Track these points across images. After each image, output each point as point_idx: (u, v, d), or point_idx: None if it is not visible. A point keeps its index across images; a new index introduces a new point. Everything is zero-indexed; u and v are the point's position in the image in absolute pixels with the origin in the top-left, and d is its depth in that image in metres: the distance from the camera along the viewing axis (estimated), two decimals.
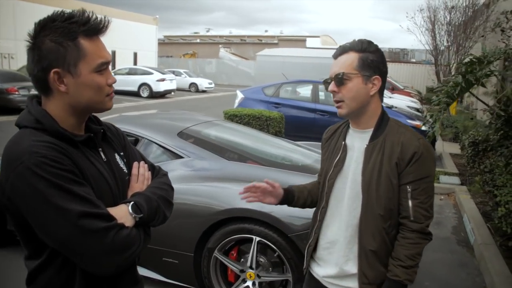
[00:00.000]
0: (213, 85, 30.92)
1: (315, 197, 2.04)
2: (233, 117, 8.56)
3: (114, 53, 31.48)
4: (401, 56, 33.90)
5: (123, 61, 30.22)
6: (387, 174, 1.69)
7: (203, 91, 29.51)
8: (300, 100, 10.46)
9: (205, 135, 4.15)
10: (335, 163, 1.84)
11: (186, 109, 14.69)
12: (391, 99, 14.45)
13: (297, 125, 9.79)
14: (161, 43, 46.59)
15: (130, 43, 31.56)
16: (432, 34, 19.39)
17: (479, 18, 17.17)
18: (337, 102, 1.76)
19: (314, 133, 9.72)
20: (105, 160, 1.44)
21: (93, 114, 1.48)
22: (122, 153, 1.56)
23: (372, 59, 1.70)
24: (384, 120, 1.78)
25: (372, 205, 1.72)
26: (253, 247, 3.16)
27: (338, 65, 1.73)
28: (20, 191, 1.19)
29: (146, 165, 1.59)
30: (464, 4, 17.94)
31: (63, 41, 1.27)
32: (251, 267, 3.22)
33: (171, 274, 3.42)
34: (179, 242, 3.31)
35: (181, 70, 31.37)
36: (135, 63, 31.25)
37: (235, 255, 3.31)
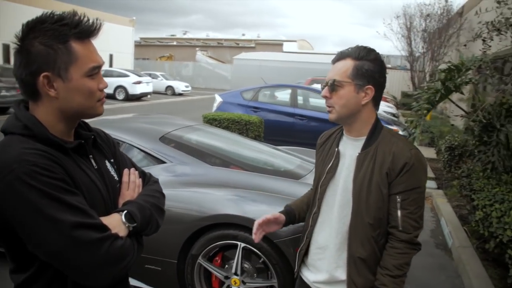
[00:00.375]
0: (190, 88, 30.78)
1: None
2: (212, 121, 8.53)
3: None
4: None
5: None
6: (378, 183, 1.69)
7: (180, 94, 29.35)
8: (278, 105, 10.48)
9: (187, 140, 4.12)
10: (327, 170, 1.84)
11: (163, 112, 14.58)
12: None
13: (276, 130, 9.81)
14: (138, 45, 46.17)
15: (105, 45, 31.04)
16: (408, 41, 19.79)
17: (453, 26, 17.61)
18: (328, 107, 1.77)
19: (293, 137, 9.77)
20: (96, 167, 1.40)
21: (82, 120, 1.43)
22: (112, 160, 1.52)
23: (368, 68, 1.69)
24: (377, 129, 1.78)
25: (361, 214, 1.73)
26: (238, 253, 3.14)
27: (334, 71, 1.74)
28: (10, 201, 1.13)
29: (136, 172, 1.56)
30: (439, 12, 18.37)
31: (54, 44, 1.23)
32: (236, 273, 3.19)
33: (154, 281, 3.37)
34: (162, 249, 3.26)
35: (158, 73, 31.14)
36: (110, 65, 30.83)
37: (219, 261, 3.28)
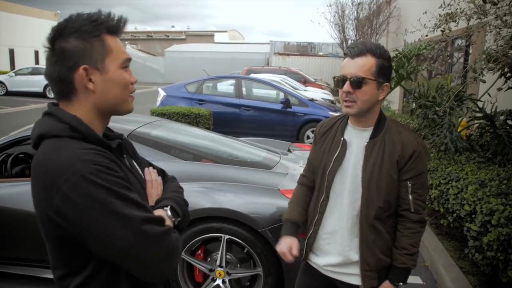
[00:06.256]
0: None
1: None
2: (161, 116, 8.39)
3: (12, 51, 29.33)
4: (308, 49, 35.11)
5: (23, 60, 28.21)
6: (388, 170, 1.82)
7: None
8: (223, 96, 10.51)
9: (155, 136, 4.07)
10: (334, 158, 1.92)
11: None
12: (307, 92, 15.00)
13: (222, 121, 9.86)
14: None
15: (30, 41, 29.50)
16: (341, 29, 20.43)
17: (383, 14, 18.43)
18: (347, 101, 1.82)
19: (240, 128, 9.87)
20: (130, 166, 1.42)
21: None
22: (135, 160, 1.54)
23: (386, 66, 1.80)
24: (382, 120, 1.90)
25: (372, 199, 1.84)
26: (222, 246, 3.19)
27: (356, 67, 1.77)
28: (76, 202, 1.12)
29: (155, 170, 1.58)
30: (369, 0, 19.13)
31: (88, 37, 1.25)
32: (220, 266, 3.25)
33: None
34: None
35: None
36: (37, 62, 29.31)
37: (202, 255, 3.32)
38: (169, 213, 1.37)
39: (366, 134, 1.90)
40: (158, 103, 10.39)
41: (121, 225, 1.15)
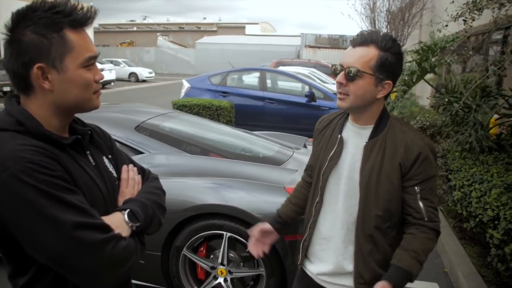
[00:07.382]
0: (153, 74, 30.17)
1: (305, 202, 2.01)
2: (182, 108, 8.34)
3: None
4: (340, 42, 34.58)
5: None
6: (388, 174, 1.63)
7: (143, 81, 28.77)
8: (247, 88, 10.36)
9: (164, 129, 3.98)
10: (330, 157, 1.75)
11: (127, 100, 14.21)
12: (335, 86, 14.67)
13: (246, 114, 9.71)
14: (97, 32, 44.82)
15: None
16: (372, 21, 19.96)
17: (416, 5, 17.86)
18: (340, 93, 1.65)
19: (263, 121, 9.72)
20: (94, 164, 1.33)
21: (76, 115, 1.35)
22: (110, 156, 1.44)
23: (391, 62, 1.58)
24: (384, 118, 1.70)
25: (369, 205, 1.66)
26: (224, 243, 3.07)
27: (355, 57, 1.59)
28: (6, 201, 1.06)
29: (135, 169, 1.49)
30: None
31: (47, 33, 1.15)
32: (222, 263, 3.13)
33: (138, 275, 3.25)
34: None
35: (120, 60, 30.40)
36: None
37: (204, 252, 3.20)
38: (126, 217, 1.27)
39: (366, 132, 1.70)
40: (182, 94, 10.34)
41: (51, 230, 1.07)
